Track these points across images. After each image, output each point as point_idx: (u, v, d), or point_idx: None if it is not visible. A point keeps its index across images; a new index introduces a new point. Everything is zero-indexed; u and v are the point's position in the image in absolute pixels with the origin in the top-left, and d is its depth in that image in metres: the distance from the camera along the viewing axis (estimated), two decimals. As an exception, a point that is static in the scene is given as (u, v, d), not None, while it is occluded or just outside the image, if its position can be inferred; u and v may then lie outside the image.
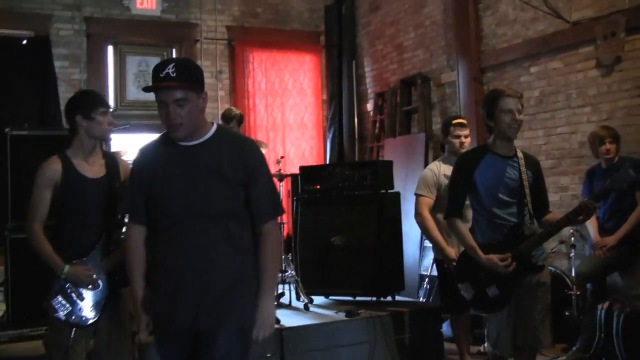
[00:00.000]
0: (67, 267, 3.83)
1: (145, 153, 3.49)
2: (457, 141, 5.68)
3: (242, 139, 3.80)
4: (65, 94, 9.04)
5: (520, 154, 4.42)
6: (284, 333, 5.45)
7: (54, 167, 3.93)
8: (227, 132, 3.64)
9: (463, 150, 5.63)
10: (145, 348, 4.58)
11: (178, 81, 3.29)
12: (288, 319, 5.80)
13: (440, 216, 5.62)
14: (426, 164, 8.35)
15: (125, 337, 4.08)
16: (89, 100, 4.03)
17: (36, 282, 4.00)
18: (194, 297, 3.24)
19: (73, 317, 3.86)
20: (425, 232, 5.72)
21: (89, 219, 3.94)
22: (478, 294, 4.40)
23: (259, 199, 3.37)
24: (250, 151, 3.43)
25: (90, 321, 3.89)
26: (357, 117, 10.81)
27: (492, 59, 8.12)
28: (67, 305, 3.86)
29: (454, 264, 5.32)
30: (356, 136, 10.76)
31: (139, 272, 3.36)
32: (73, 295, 3.87)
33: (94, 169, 4.03)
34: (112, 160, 4.14)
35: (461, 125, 5.71)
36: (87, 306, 3.89)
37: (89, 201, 3.95)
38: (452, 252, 5.47)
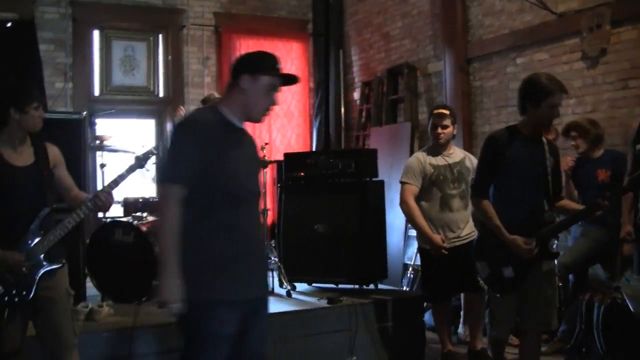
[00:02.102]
0: None
1: (208, 125, 3.33)
2: (433, 132, 5.72)
3: None
4: (50, 77, 9.02)
5: (544, 140, 4.54)
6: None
7: None
8: None
9: (440, 142, 5.67)
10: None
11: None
12: (270, 306, 5.78)
13: (424, 204, 5.65)
14: (411, 153, 8.34)
15: (65, 316, 4.15)
16: (25, 95, 4.09)
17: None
18: (260, 267, 3.58)
19: (6, 299, 3.94)
20: (410, 220, 5.74)
21: (18, 207, 4.01)
22: (493, 273, 4.52)
23: None
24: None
25: (23, 302, 3.97)
26: (344, 106, 10.81)
27: (479, 49, 8.13)
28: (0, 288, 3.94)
29: (443, 250, 5.39)
30: (342, 125, 10.76)
31: (176, 236, 3.23)
32: (6, 278, 3.94)
33: (22, 157, 4.10)
34: (40, 147, 4.20)
35: (439, 115, 5.72)
36: (19, 288, 3.96)
37: (18, 189, 4.02)
38: (438, 238, 5.49)
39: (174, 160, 3.30)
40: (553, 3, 7.02)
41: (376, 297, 6.07)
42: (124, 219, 6.37)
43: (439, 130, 5.68)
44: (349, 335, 5.68)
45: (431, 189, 5.65)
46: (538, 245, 4.35)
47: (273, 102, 3.51)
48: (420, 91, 9.16)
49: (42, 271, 4.02)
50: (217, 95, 7.50)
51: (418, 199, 5.66)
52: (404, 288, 7.62)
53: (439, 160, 5.69)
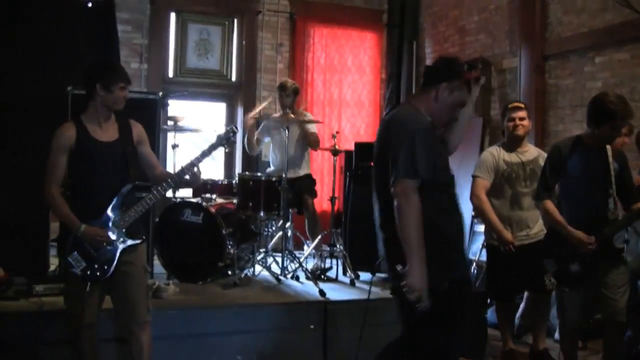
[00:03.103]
0: (82, 227, 4.04)
1: (430, 127, 3.71)
2: (511, 124, 5.63)
3: None
4: (126, 58, 9.13)
5: (608, 147, 4.76)
6: (328, 306, 5.50)
7: (68, 133, 4.11)
8: None
9: (518, 133, 5.61)
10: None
11: None
12: (333, 293, 5.84)
13: (494, 201, 5.59)
14: (482, 149, 8.28)
15: (141, 292, 4.26)
16: (112, 73, 4.19)
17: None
18: None
19: (88, 272, 4.08)
20: (481, 214, 5.69)
21: (102, 181, 4.13)
22: (561, 269, 4.82)
23: None
24: None
25: (104, 276, 4.09)
26: (415, 99, 10.71)
27: (556, 47, 7.97)
28: (82, 262, 4.08)
29: (511, 246, 5.35)
30: (413, 118, 10.69)
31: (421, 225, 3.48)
32: (89, 251, 4.07)
33: (107, 133, 4.20)
34: (125, 124, 4.30)
35: (516, 108, 5.67)
36: (101, 262, 4.09)
37: (103, 164, 4.13)
38: (509, 234, 5.45)
39: (414, 157, 3.51)
40: (637, 2, 6.84)
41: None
42: (194, 200, 6.45)
43: (517, 122, 5.62)
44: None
45: (503, 185, 5.59)
46: (599, 240, 4.61)
47: (455, 118, 3.86)
48: (494, 87, 9.03)
49: (122, 246, 4.12)
50: (290, 81, 7.51)
51: (488, 195, 5.60)
52: (467, 284, 7.55)
53: (512, 157, 5.62)
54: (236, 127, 4.59)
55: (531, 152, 5.71)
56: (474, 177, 5.69)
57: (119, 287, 4.19)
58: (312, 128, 7.20)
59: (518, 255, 5.45)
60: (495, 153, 5.68)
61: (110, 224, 4.10)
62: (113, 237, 4.09)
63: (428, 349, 3.61)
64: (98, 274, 4.08)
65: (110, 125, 4.22)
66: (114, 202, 4.11)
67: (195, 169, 4.27)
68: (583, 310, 4.88)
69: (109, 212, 4.10)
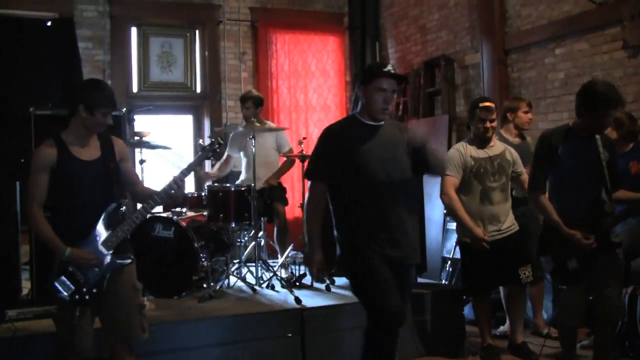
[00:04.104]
0: (68, 250, 3.92)
1: (333, 130, 4.39)
2: (481, 126, 5.64)
3: (394, 121, 4.85)
4: (89, 75, 9.08)
5: (597, 135, 4.70)
6: (304, 313, 5.49)
7: (48, 152, 4.00)
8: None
9: (488, 135, 5.64)
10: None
11: (399, 76, 4.39)
12: (309, 300, 5.82)
13: (464, 197, 5.61)
14: (449, 145, 8.31)
15: (132, 311, 4.13)
16: (97, 97, 4.04)
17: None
18: None
19: (76, 296, 3.97)
20: (452, 212, 5.70)
21: (85, 201, 4.02)
22: (558, 266, 4.70)
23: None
24: (405, 128, 4.59)
25: (94, 299, 3.99)
26: (381, 99, 10.73)
27: (517, 40, 8.04)
28: (70, 285, 3.96)
29: (484, 243, 5.36)
30: (379, 118, 10.71)
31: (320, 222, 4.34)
32: (75, 274, 3.96)
33: (89, 151, 4.09)
34: (106, 141, 4.19)
35: (487, 109, 5.65)
36: (90, 285, 3.98)
37: (85, 183, 4.02)
38: (480, 231, 5.46)
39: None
40: (593, -9, 6.92)
41: (415, 290, 6.04)
42: (164, 214, 6.41)
43: (488, 124, 5.64)
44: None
45: (471, 181, 5.61)
46: (598, 238, 4.54)
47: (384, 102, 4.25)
48: (458, 83, 9.09)
49: (111, 267, 4.02)
50: (255, 92, 7.52)
51: (458, 192, 5.61)
52: (443, 281, 7.58)
53: (479, 153, 5.65)
54: (221, 139, 4.52)
55: (497, 146, 5.74)
56: (442, 175, 5.70)
57: (108, 308, 4.07)
58: (286, 150, 7.29)
59: (491, 251, 5.47)
60: (462, 149, 5.70)
61: (98, 245, 3.99)
62: (101, 258, 3.99)
63: None
64: (87, 297, 3.97)
65: (92, 143, 4.11)
66: (99, 222, 4.01)
67: (180, 184, 4.17)
68: (581, 308, 4.84)
69: (95, 232, 4.00)
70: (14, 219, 5.64)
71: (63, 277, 3.95)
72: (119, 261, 4.05)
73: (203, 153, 4.37)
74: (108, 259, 4.01)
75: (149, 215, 6.22)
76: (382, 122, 4.33)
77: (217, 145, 4.38)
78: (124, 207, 4.22)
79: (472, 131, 5.80)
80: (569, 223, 4.58)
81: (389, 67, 4.28)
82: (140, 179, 6.35)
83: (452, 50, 9.17)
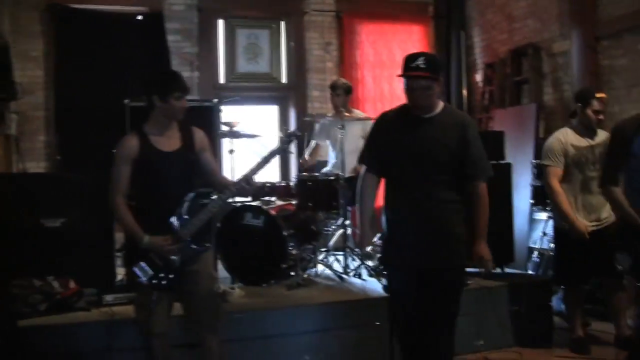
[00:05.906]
0: (146, 238, 4.09)
1: (385, 118, 4.31)
2: (595, 117, 5.58)
3: (461, 114, 4.49)
4: (177, 67, 9.25)
5: None
6: (393, 302, 5.51)
7: (131, 144, 4.16)
8: (451, 109, 4.33)
9: (600, 125, 5.58)
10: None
11: (425, 72, 3.96)
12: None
13: (564, 185, 5.53)
14: (537, 135, 8.21)
15: (208, 299, 4.30)
16: (167, 83, 4.19)
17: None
18: None
19: (154, 281, 4.11)
20: (555, 204, 5.64)
21: (166, 191, 4.16)
22: (637, 263, 4.53)
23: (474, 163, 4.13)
24: (468, 125, 4.14)
25: (171, 285, 4.14)
26: (466, 88, 10.65)
27: (608, 27, 7.83)
28: (149, 271, 4.11)
29: (587, 237, 5.29)
30: (465, 107, 10.62)
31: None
32: (154, 261, 4.11)
33: (170, 142, 4.23)
34: (187, 132, 4.32)
35: (602, 99, 5.63)
36: (167, 271, 4.13)
37: (166, 174, 4.17)
38: (583, 225, 5.39)
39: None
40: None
41: (503, 281, 6.01)
42: (254, 203, 6.52)
43: (601, 116, 5.60)
44: (475, 319, 5.66)
45: (571, 170, 5.54)
46: None
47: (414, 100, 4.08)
48: (546, 72, 8.93)
49: (189, 254, 4.16)
50: (344, 80, 7.58)
51: (560, 181, 5.58)
52: (529, 272, 7.50)
53: (581, 142, 5.57)
54: (298, 130, 4.60)
55: (600, 135, 5.65)
56: (544, 166, 5.64)
57: (186, 295, 4.25)
58: None
59: (588, 240, 5.39)
60: (562, 138, 5.62)
61: (176, 233, 4.13)
62: (179, 245, 4.12)
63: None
64: (164, 282, 4.12)
65: (172, 134, 4.25)
66: (179, 210, 4.14)
67: (252, 181, 4.25)
68: None
69: (174, 220, 4.13)
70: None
71: (142, 263, 4.12)
72: (196, 248, 4.19)
73: (279, 146, 4.39)
74: (186, 246, 4.14)
75: (233, 205, 6.35)
76: (434, 114, 4.11)
77: (294, 138, 4.44)
78: (215, 196, 4.28)
79: (577, 120, 5.71)
80: None
81: (417, 62, 3.97)
82: (230, 168, 6.51)
83: (539, 38, 9.01)
